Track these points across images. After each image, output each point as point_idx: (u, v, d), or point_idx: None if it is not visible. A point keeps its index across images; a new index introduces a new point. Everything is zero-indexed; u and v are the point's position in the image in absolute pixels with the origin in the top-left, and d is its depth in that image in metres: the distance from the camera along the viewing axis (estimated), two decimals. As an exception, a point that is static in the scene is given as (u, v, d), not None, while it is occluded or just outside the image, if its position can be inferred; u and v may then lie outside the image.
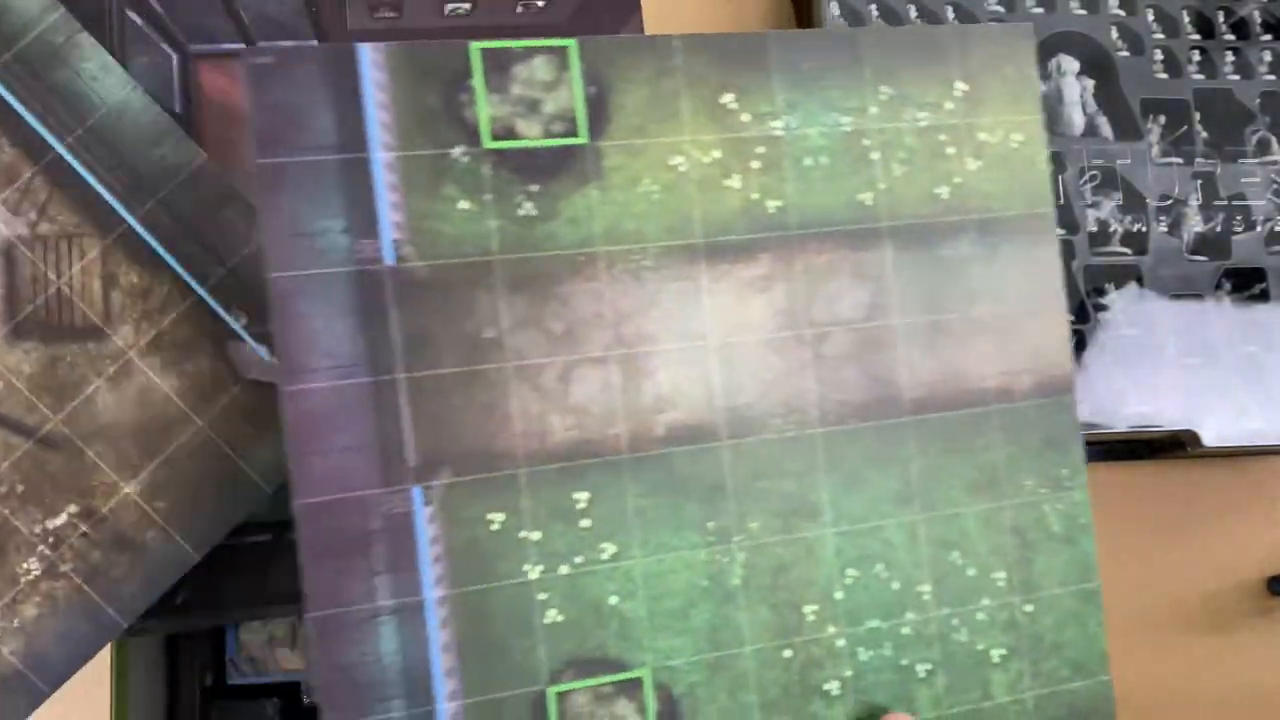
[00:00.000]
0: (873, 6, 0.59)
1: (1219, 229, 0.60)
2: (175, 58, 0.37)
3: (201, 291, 0.35)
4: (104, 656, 0.43)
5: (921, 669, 0.35)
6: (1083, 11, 0.61)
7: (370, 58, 0.31)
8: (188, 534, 0.35)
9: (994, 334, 0.36)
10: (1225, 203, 0.60)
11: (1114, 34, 0.61)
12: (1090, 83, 0.60)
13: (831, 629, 0.34)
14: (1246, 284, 0.59)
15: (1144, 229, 0.59)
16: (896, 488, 0.35)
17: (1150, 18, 0.61)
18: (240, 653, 0.45)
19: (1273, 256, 0.61)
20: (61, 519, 0.34)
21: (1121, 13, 0.61)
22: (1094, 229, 0.59)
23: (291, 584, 0.35)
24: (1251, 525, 0.63)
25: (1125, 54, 0.61)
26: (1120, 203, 0.59)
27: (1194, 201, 0.60)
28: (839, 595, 0.34)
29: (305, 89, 0.31)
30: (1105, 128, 0.60)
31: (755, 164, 0.34)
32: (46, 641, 0.34)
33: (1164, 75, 0.61)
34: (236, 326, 0.35)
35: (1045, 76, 0.60)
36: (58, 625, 0.34)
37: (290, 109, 0.30)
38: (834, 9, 0.59)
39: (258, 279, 0.35)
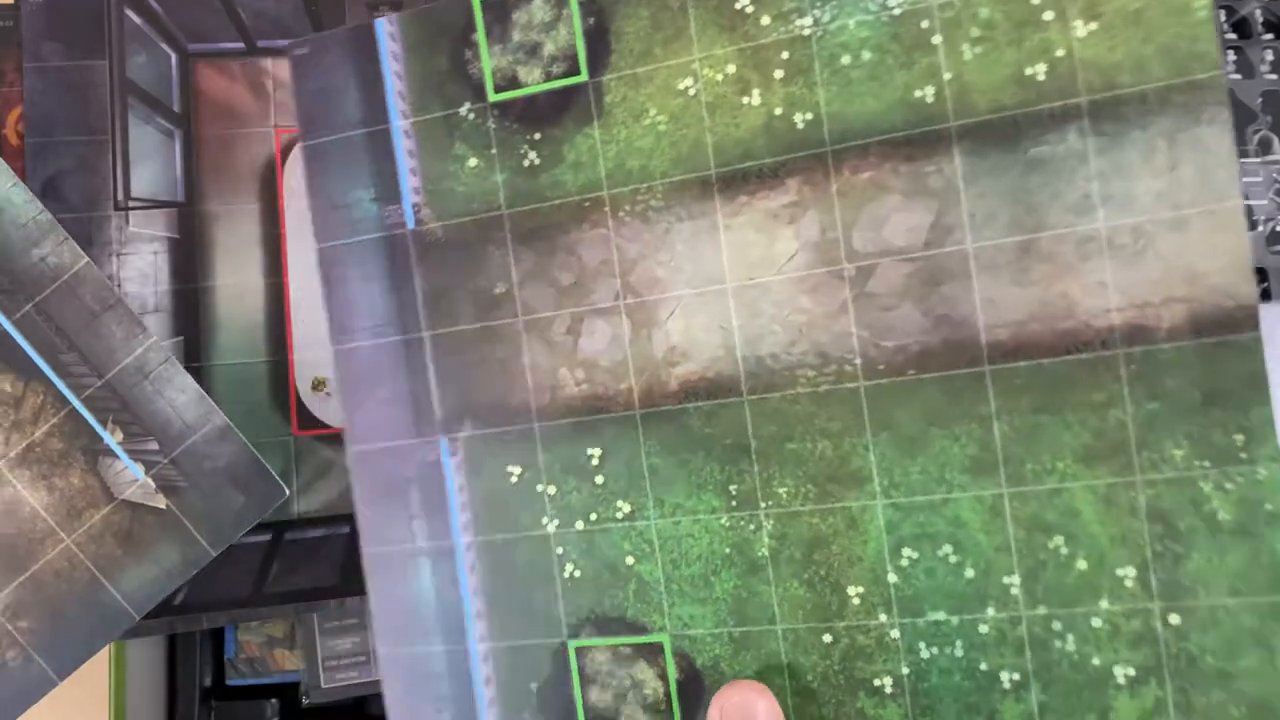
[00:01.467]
0: None
1: None
2: (174, 57, 0.37)
3: (76, 403, 0.33)
4: (104, 657, 0.43)
5: (1007, 678, 0.28)
6: None
7: (385, 30, 0.33)
8: (49, 656, 0.33)
9: (1120, 253, 0.27)
10: None
11: None
12: None
13: (883, 617, 0.29)
14: None
15: None
16: (972, 453, 0.28)
17: None
18: (239, 653, 0.45)
19: (1274, 256, 0.58)
20: None
21: None
22: None
23: (288, 584, 0.37)
24: None
25: None
26: None
27: None
28: (893, 578, 0.29)
29: (336, 71, 0.33)
30: None
31: (778, 73, 0.29)
32: None
33: None
34: (111, 443, 0.34)
35: None
36: None
37: (325, 92, 0.33)
38: None
39: (135, 394, 0.33)
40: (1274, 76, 0.59)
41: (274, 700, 0.45)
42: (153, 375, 0.34)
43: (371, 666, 0.45)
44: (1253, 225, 0.57)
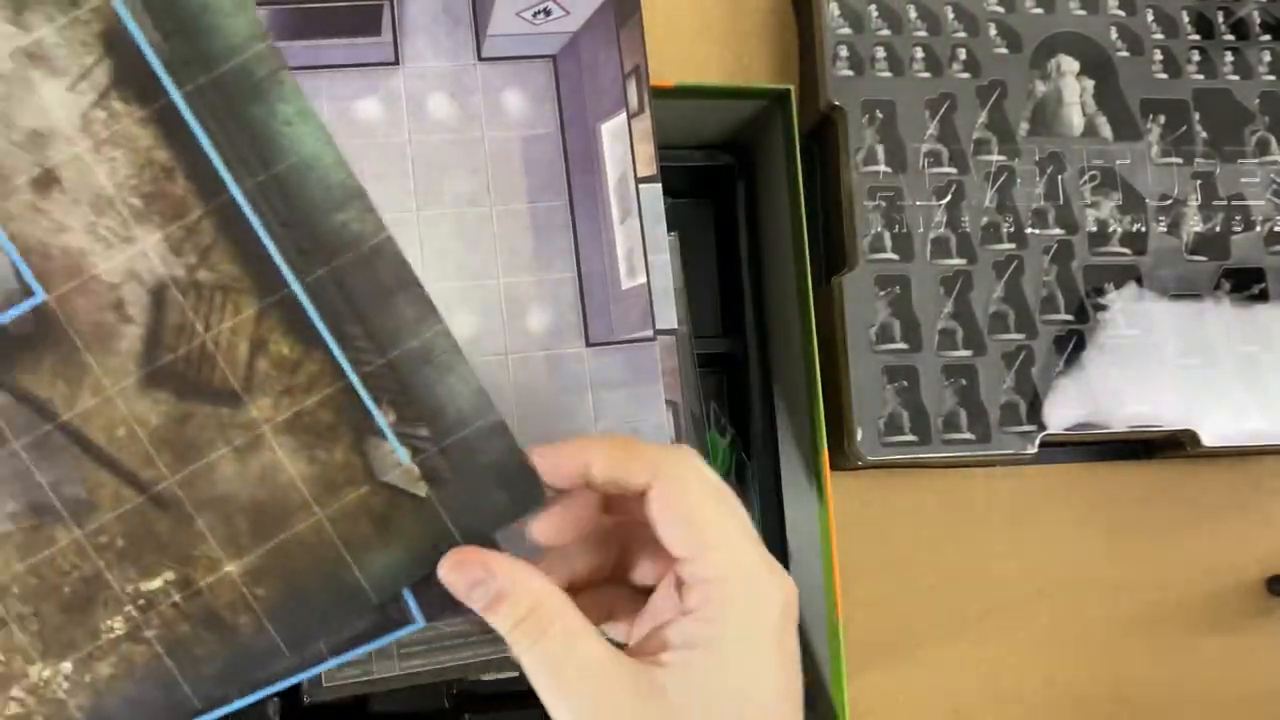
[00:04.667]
0: (872, 7, 0.58)
1: (1218, 229, 0.58)
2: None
3: (354, 378, 0.32)
4: None
5: None
6: (1082, 12, 0.59)
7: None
8: (283, 628, 0.33)
9: None
10: (1224, 203, 0.58)
11: (1113, 34, 0.59)
12: (1090, 83, 0.59)
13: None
14: (1246, 284, 0.58)
15: (1143, 229, 0.58)
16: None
17: (1150, 18, 0.60)
18: None
19: (1272, 256, 0.58)
20: (156, 583, 0.32)
21: (1121, 13, 0.60)
22: (1093, 229, 0.58)
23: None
24: (1251, 525, 0.62)
25: (1125, 54, 0.59)
26: (1119, 203, 0.58)
27: (1193, 202, 0.59)
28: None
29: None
30: (1105, 128, 0.59)
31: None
32: (115, 704, 0.32)
33: (1163, 75, 0.60)
34: (383, 423, 0.32)
35: (1044, 77, 0.59)
36: (129, 690, 0.32)
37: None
38: (834, 9, 0.58)
39: (415, 378, 0.32)
40: (1272, 78, 0.60)
41: (275, 699, 0.45)
42: (437, 361, 0.33)
43: (371, 666, 0.44)
44: (1250, 225, 0.59)
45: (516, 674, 0.44)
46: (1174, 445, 0.59)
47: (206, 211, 0.31)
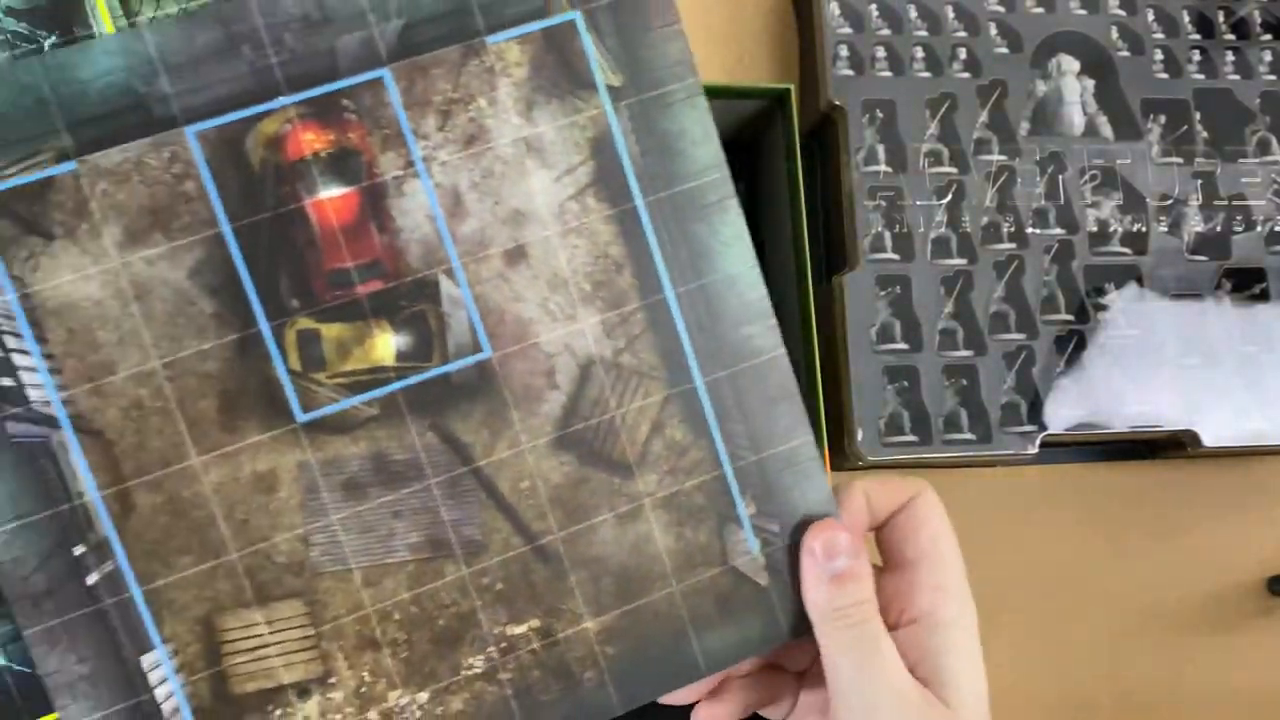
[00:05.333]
0: (873, 6, 0.58)
1: (1219, 229, 0.58)
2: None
3: (729, 469, 0.36)
4: None
5: None
6: (1083, 11, 0.59)
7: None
8: (620, 686, 0.36)
9: None
10: (1225, 203, 0.58)
11: (1114, 34, 0.59)
12: (1090, 83, 0.59)
13: None
14: (1246, 284, 0.58)
15: (1144, 229, 0.58)
16: None
17: (1150, 17, 0.60)
18: None
19: (1273, 256, 0.59)
20: (521, 629, 0.35)
21: (1122, 13, 0.60)
22: (1094, 229, 0.58)
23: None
24: (1251, 525, 0.61)
25: (1125, 54, 0.59)
26: (1120, 203, 0.58)
27: (1194, 201, 0.59)
28: None
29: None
30: (1105, 128, 0.59)
31: None
32: None
33: (1164, 75, 0.60)
34: (743, 513, 0.36)
35: (1045, 76, 0.59)
36: None
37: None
38: (834, 9, 0.58)
39: (776, 479, 0.36)
40: (1272, 77, 0.60)
41: None
42: (799, 467, 0.37)
43: None
44: (1251, 225, 0.59)
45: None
46: (1175, 445, 0.59)
47: (642, 306, 0.36)
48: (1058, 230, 0.58)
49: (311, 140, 0.33)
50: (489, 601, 0.35)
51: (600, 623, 0.36)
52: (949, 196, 0.57)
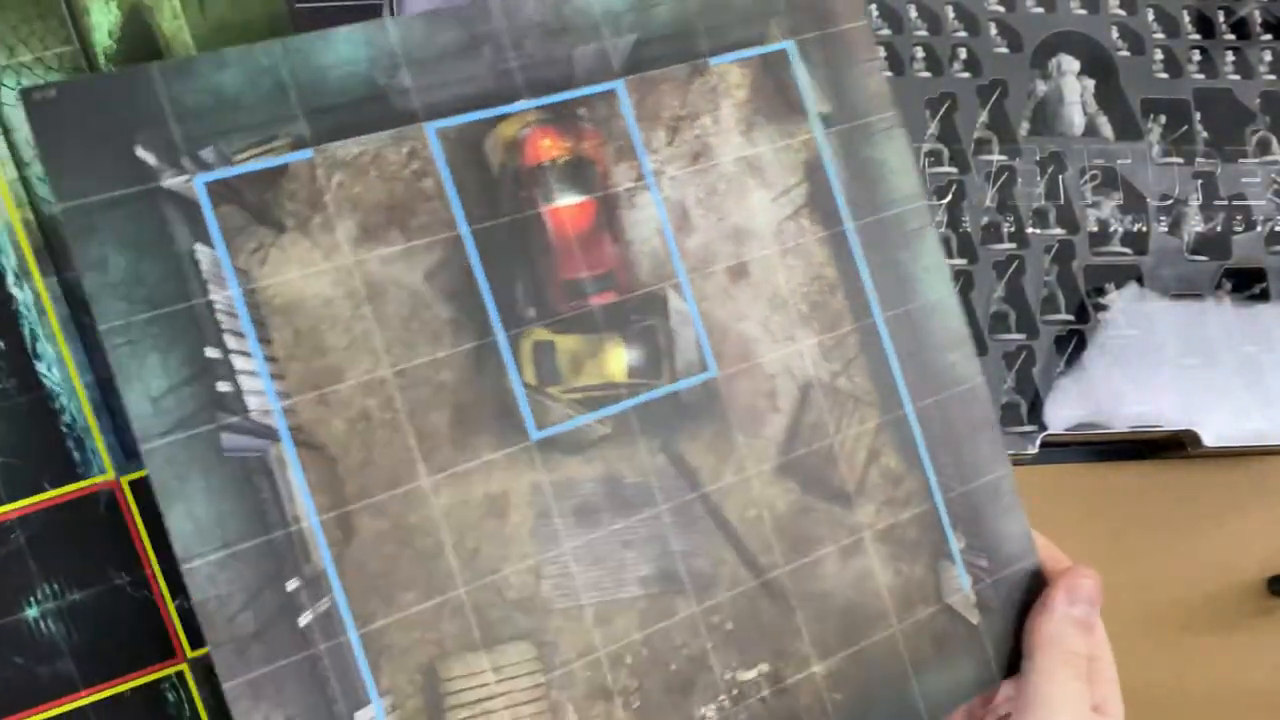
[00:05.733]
0: (873, 6, 0.58)
1: (1219, 229, 0.58)
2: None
3: (940, 501, 0.35)
4: None
5: None
6: (1083, 11, 0.59)
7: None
8: None
9: None
10: (1225, 202, 0.58)
11: (1114, 34, 0.59)
12: (1091, 82, 0.59)
13: None
14: (1247, 284, 0.58)
15: (1144, 229, 0.58)
16: None
17: (1150, 17, 0.60)
18: None
19: (1273, 256, 0.58)
20: (751, 674, 0.33)
21: (1122, 12, 0.60)
22: (1094, 229, 0.57)
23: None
24: (1251, 525, 0.61)
25: (1126, 54, 0.59)
26: (1120, 203, 0.58)
27: (1194, 201, 0.58)
28: None
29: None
30: (1106, 127, 0.58)
31: None
32: None
33: (1164, 75, 0.59)
34: (955, 548, 0.36)
35: (1045, 76, 0.58)
36: None
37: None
38: None
39: (983, 510, 0.36)
40: (1272, 77, 0.60)
41: None
42: (1002, 500, 0.36)
43: None
44: (1251, 225, 0.58)
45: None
46: (1175, 445, 0.58)
47: (854, 329, 0.35)
48: (1058, 230, 0.57)
49: (549, 146, 0.32)
50: (719, 642, 0.32)
51: (827, 666, 0.33)
52: (949, 196, 0.56)
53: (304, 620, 0.28)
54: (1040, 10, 0.59)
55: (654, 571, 0.32)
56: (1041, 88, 0.59)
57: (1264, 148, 0.60)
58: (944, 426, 0.36)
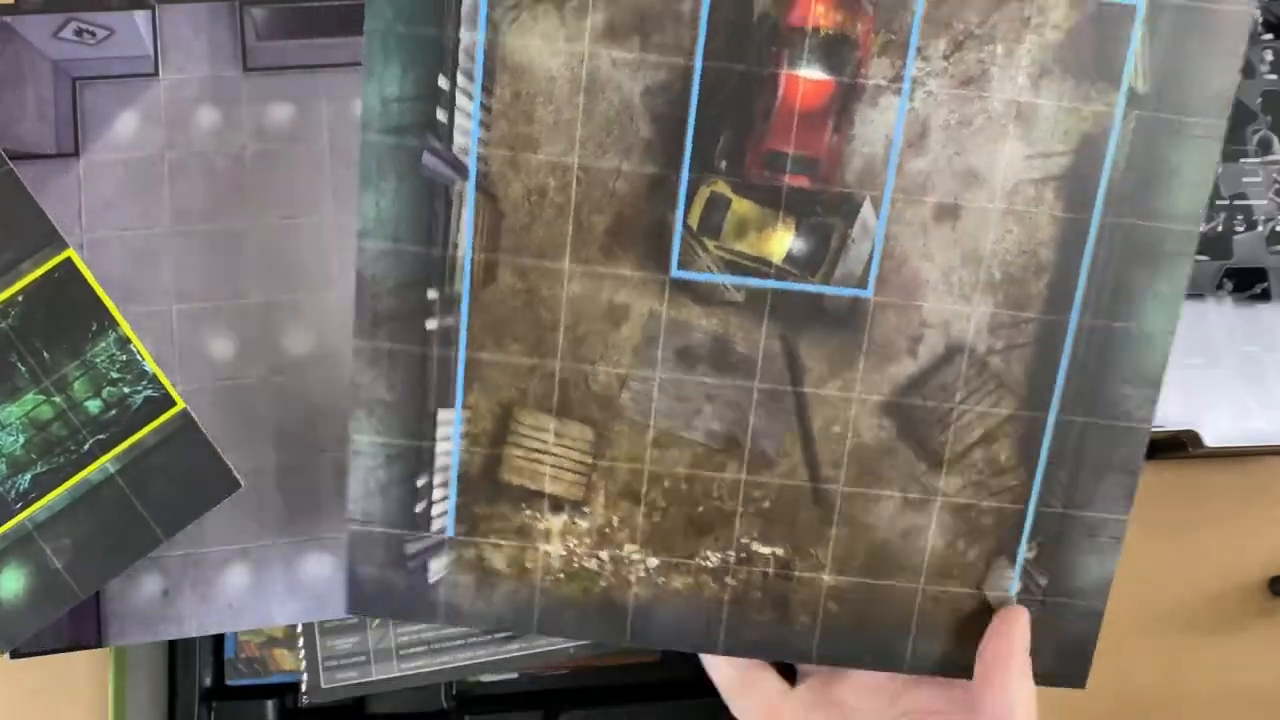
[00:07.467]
0: None
1: (1220, 228, 0.57)
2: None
3: (1032, 510, 0.35)
4: (104, 656, 0.43)
5: None
6: None
7: None
8: (825, 642, 0.36)
9: None
10: (1226, 202, 0.58)
11: None
12: None
13: None
14: (1248, 284, 0.57)
15: None
16: None
17: None
18: (239, 653, 0.45)
19: (1274, 256, 0.58)
20: (766, 550, 0.35)
21: None
22: None
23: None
24: (1253, 525, 0.61)
25: None
26: None
27: None
28: None
29: None
30: None
31: None
32: (661, 613, 0.35)
33: None
34: (1022, 554, 0.36)
35: None
36: (679, 609, 0.35)
37: None
38: None
39: (1073, 539, 0.35)
40: (1274, 77, 0.59)
41: (274, 700, 0.46)
42: (1098, 540, 0.35)
43: (371, 667, 0.45)
44: (1252, 225, 0.58)
45: (515, 675, 0.47)
46: (1176, 445, 0.58)
47: (1039, 319, 0.33)
48: None
49: (821, 14, 0.31)
50: (751, 512, 0.35)
51: (837, 580, 0.36)
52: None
53: (431, 325, 0.33)
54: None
55: (722, 429, 0.34)
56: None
57: (1265, 147, 0.59)
58: (1079, 448, 0.34)
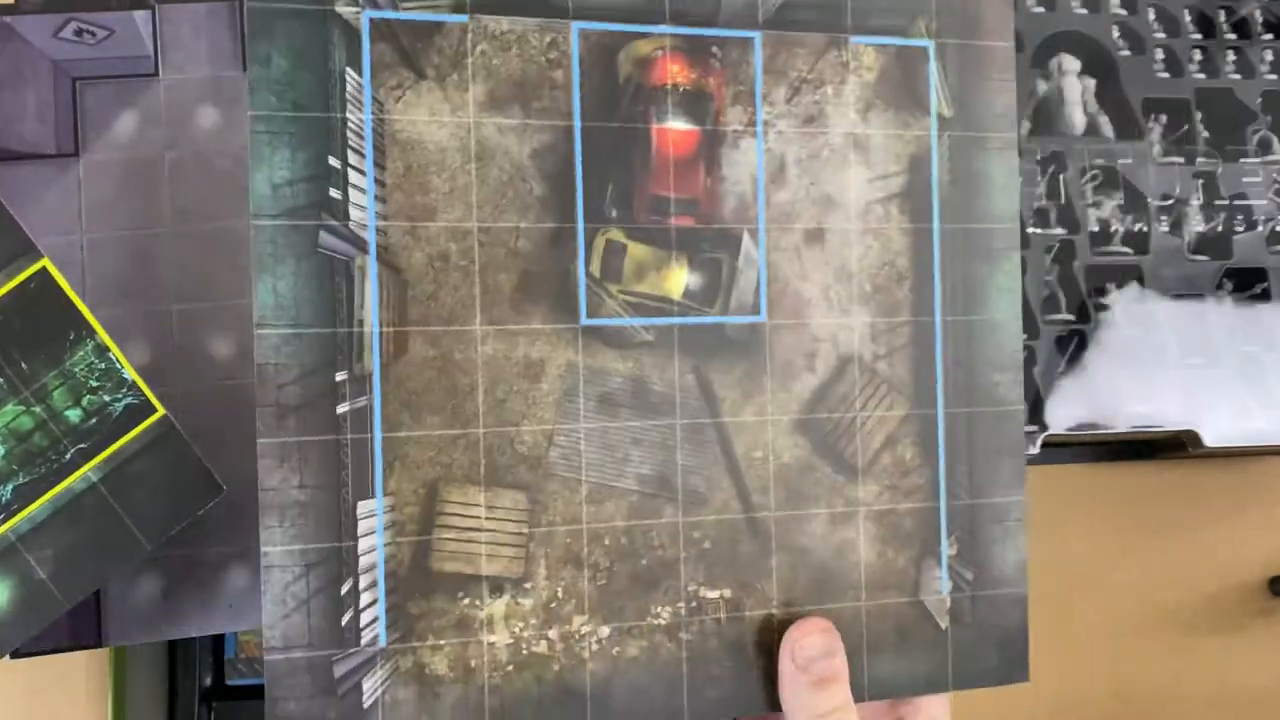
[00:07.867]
0: None
1: (1220, 229, 0.58)
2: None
3: (943, 504, 0.37)
4: (104, 656, 0.43)
5: None
6: (1084, 11, 0.59)
7: None
8: None
9: None
10: (1226, 202, 0.58)
11: (1115, 33, 0.59)
12: (1091, 82, 0.59)
13: None
14: (1248, 284, 0.58)
15: (1145, 229, 0.58)
16: None
17: (1151, 17, 0.60)
18: (239, 653, 0.45)
19: (1274, 256, 0.59)
20: (714, 594, 0.35)
21: (1123, 12, 0.60)
22: (1095, 229, 0.57)
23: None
24: (1252, 525, 0.62)
25: (1126, 53, 0.59)
26: (1121, 202, 0.58)
27: (1195, 201, 0.58)
28: None
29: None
30: (1106, 127, 0.59)
31: None
32: (620, 686, 0.34)
33: (1165, 75, 0.59)
34: (945, 552, 0.37)
35: (1046, 76, 0.58)
36: (639, 679, 0.34)
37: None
38: None
39: (985, 530, 0.37)
40: (1273, 77, 0.60)
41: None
42: (1006, 524, 0.37)
43: None
44: (1252, 225, 0.58)
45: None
46: (1176, 445, 0.58)
47: (911, 321, 0.37)
48: (1059, 230, 0.57)
49: (676, 72, 0.34)
50: (693, 556, 0.35)
51: (787, 612, 0.35)
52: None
53: (342, 409, 0.32)
54: (1041, 10, 0.59)
55: (653, 473, 0.34)
56: (1042, 87, 0.58)
57: (1265, 147, 0.60)
58: (969, 438, 0.37)
